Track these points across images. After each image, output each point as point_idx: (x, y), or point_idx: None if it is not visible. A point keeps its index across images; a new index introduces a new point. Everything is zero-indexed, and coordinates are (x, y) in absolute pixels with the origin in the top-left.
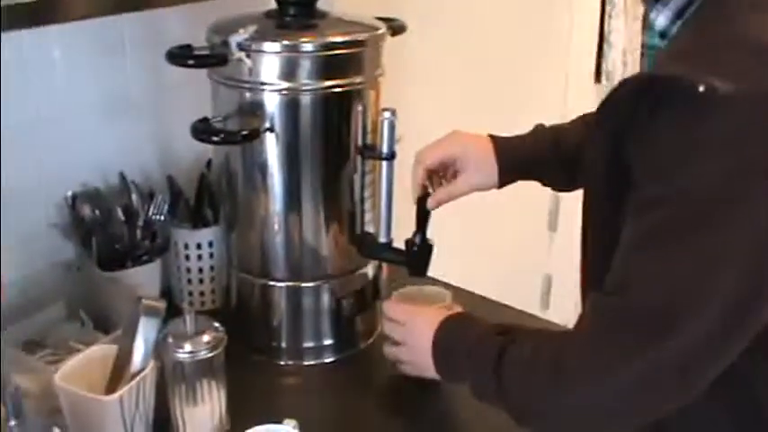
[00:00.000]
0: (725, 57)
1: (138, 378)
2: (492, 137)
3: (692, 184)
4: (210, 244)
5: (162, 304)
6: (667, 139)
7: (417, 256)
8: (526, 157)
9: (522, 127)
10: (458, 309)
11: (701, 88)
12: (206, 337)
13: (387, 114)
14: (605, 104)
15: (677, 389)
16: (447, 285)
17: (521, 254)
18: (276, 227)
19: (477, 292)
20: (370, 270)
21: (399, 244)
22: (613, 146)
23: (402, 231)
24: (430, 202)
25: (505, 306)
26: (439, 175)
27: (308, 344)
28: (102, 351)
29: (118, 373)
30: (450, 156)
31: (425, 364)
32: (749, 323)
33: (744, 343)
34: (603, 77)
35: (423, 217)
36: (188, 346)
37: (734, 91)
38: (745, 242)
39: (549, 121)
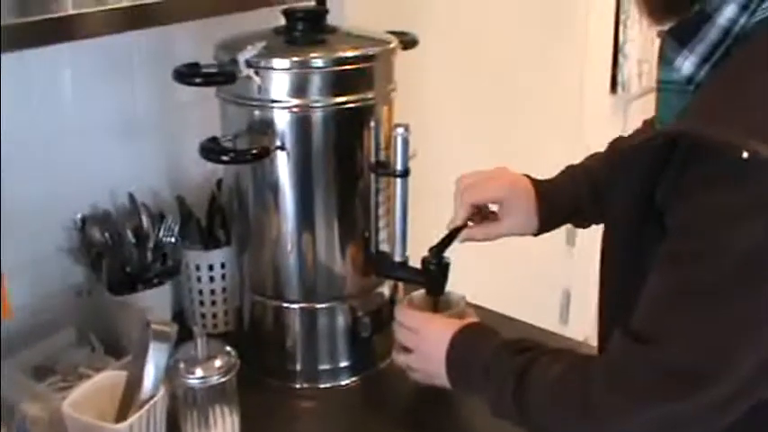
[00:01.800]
0: (763, 114)
1: (148, 405)
2: (533, 182)
3: (731, 244)
4: (223, 265)
5: (172, 329)
6: (704, 196)
7: (434, 274)
8: (567, 207)
9: (537, 137)
10: (472, 315)
11: (745, 155)
12: (218, 362)
13: (400, 130)
14: (636, 151)
15: (707, 425)
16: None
17: (539, 268)
18: (289, 247)
19: (495, 308)
20: (385, 289)
21: (415, 262)
22: (641, 190)
23: (418, 249)
24: (462, 236)
25: (523, 323)
26: (480, 209)
27: (324, 366)
28: (111, 378)
29: (128, 400)
30: (496, 199)
31: (437, 373)
32: None
33: None
34: (619, 88)
35: (448, 242)
36: (199, 372)
37: None
38: None
39: (565, 134)
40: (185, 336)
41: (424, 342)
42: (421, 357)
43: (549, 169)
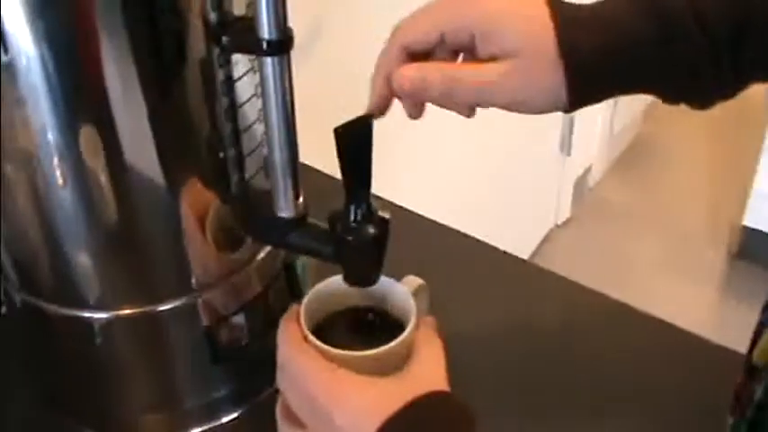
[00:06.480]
0: None
1: None
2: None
3: None
4: None
5: None
6: None
7: (355, 245)
8: (636, 56)
9: None
10: (430, 325)
11: None
12: None
13: None
14: None
15: None
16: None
17: None
18: (77, 209)
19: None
20: (274, 255)
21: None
22: None
23: None
24: (397, 79)
25: (494, 249)
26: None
27: (190, 403)
28: None
29: None
30: (460, 30)
31: None
32: None
33: None
34: None
35: (359, 157)
36: None
37: None
38: None
39: None
40: None
41: (325, 423)
42: None
43: None
